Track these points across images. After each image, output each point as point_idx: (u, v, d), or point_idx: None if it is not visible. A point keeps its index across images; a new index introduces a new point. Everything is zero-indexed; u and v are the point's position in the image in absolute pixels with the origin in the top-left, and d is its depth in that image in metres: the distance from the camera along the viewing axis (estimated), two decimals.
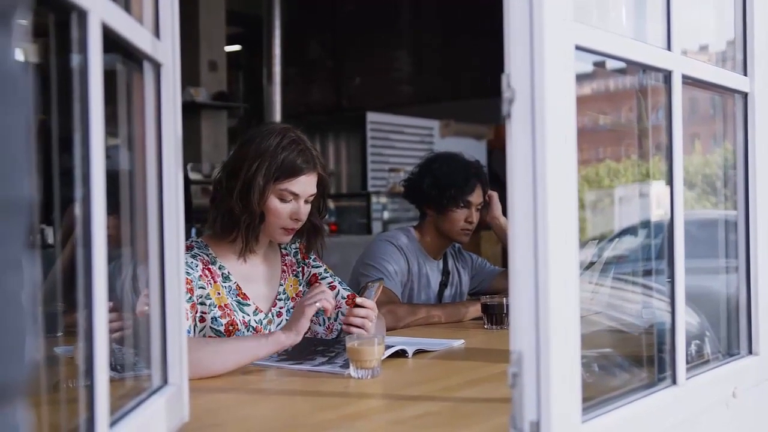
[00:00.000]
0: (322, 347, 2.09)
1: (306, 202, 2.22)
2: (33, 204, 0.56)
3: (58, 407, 1.13)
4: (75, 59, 0.99)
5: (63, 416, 1.14)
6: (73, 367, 1.42)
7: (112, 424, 1.06)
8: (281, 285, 2.34)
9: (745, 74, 1.76)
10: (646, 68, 1.52)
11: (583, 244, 1.26)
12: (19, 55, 0.54)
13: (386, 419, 1.54)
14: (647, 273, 1.87)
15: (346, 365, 1.89)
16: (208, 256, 2.21)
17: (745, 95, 1.77)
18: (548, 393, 1.13)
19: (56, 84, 1.03)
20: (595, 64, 1.42)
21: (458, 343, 2.32)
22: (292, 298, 2.34)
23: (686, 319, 1.52)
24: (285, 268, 2.37)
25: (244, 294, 2.23)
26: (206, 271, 2.15)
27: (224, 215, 2.19)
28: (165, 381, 1.35)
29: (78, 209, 0.99)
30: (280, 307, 2.31)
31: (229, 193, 2.17)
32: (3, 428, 0.52)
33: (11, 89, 0.52)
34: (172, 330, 1.36)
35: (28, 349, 0.55)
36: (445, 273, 3.10)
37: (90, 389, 0.99)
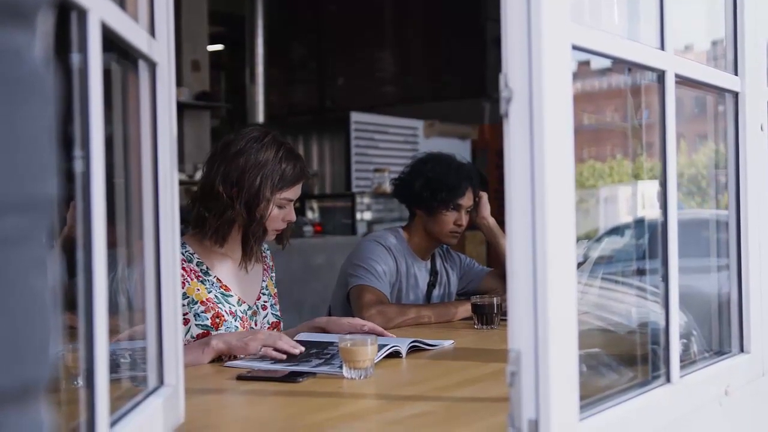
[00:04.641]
0: (315, 350, 2.09)
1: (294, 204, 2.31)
2: (55, 203, 0.55)
3: (55, 408, 1.12)
4: (74, 58, 0.98)
5: (60, 417, 1.13)
6: (64, 368, 1.41)
7: (112, 424, 1.05)
8: (264, 281, 2.40)
9: (736, 74, 1.77)
10: (640, 68, 1.53)
11: None
12: (42, 54, 0.54)
13: (383, 419, 1.54)
14: (636, 272, 1.88)
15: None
16: (184, 254, 2.22)
17: (735, 94, 1.78)
18: (547, 391, 1.13)
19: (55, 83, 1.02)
20: (580, 62, 1.42)
21: (448, 344, 2.32)
22: (273, 294, 2.42)
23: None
24: (265, 266, 2.44)
25: (226, 286, 2.27)
26: (181, 270, 2.16)
27: (226, 224, 2.21)
28: (161, 382, 1.34)
29: (77, 209, 0.98)
30: (264, 301, 2.36)
31: (228, 203, 2.20)
32: (31, 426, 0.52)
33: (37, 88, 0.51)
34: (168, 331, 1.35)
35: (52, 348, 0.54)
36: (434, 273, 3.10)
37: (90, 390, 0.98)
